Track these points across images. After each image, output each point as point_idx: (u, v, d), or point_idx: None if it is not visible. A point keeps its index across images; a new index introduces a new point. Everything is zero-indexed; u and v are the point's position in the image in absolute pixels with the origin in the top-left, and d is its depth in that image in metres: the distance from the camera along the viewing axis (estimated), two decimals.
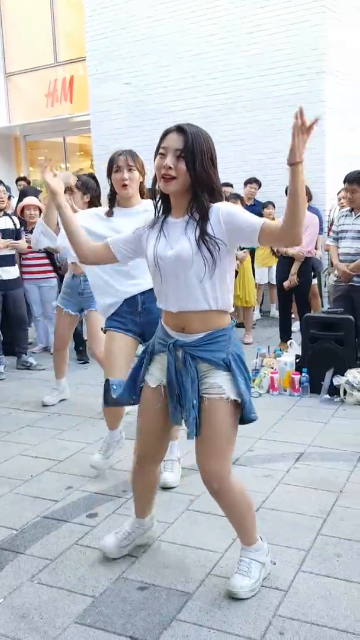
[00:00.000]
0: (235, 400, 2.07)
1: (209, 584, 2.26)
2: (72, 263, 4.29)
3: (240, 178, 7.80)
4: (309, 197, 6.03)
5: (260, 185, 7.67)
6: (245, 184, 7.59)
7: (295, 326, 6.16)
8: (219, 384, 2.07)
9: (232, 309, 2.16)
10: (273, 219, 6.61)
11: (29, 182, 8.89)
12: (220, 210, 2.01)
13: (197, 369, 2.09)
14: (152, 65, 8.86)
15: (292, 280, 5.83)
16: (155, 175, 2.08)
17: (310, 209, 6.50)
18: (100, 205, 3.53)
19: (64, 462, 3.48)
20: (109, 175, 2.91)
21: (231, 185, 7.33)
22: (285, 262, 5.95)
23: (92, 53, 9.47)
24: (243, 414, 2.10)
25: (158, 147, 2.06)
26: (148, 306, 2.93)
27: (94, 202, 3.96)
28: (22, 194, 6.85)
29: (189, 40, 8.50)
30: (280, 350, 5.43)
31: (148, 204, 2.66)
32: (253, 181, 7.59)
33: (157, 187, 2.11)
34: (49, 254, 6.09)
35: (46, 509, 2.91)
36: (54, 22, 11.17)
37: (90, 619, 2.10)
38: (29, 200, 6.20)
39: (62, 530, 2.71)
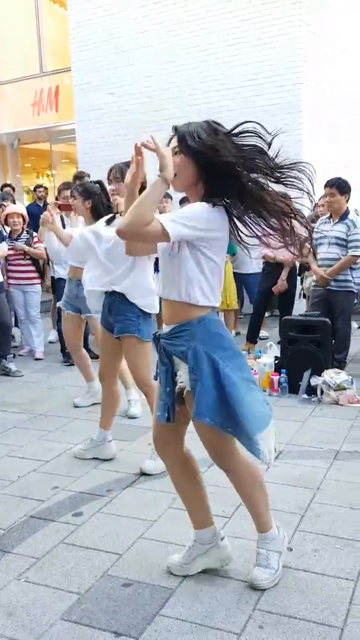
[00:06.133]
0: None
1: (191, 580, 2.27)
2: (70, 266, 4.30)
3: None
4: None
5: None
6: None
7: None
8: (182, 376, 2.09)
9: (206, 304, 2.05)
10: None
11: (14, 189, 8.83)
12: None
13: (171, 360, 2.11)
14: (136, 75, 8.86)
15: (282, 285, 5.78)
16: None
17: None
18: (105, 213, 3.52)
19: (50, 462, 3.46)
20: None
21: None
22: (271, 268, 5.89)
23: (77, 64, 9.45)
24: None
25: None
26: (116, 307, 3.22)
27: (97, 209, 3.68)
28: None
29: (172, 51, 8.51)
30: (249, 351, 5.43)
31: None
32: None
33: None
34: (34, 260, 6.05)
35: (33, 509, 2.89)
36: (39, 33, 11.12)
37: (76, 615, 2.10)
38: (12, 208, 6.14)
39: (48, 529, 2.70)
